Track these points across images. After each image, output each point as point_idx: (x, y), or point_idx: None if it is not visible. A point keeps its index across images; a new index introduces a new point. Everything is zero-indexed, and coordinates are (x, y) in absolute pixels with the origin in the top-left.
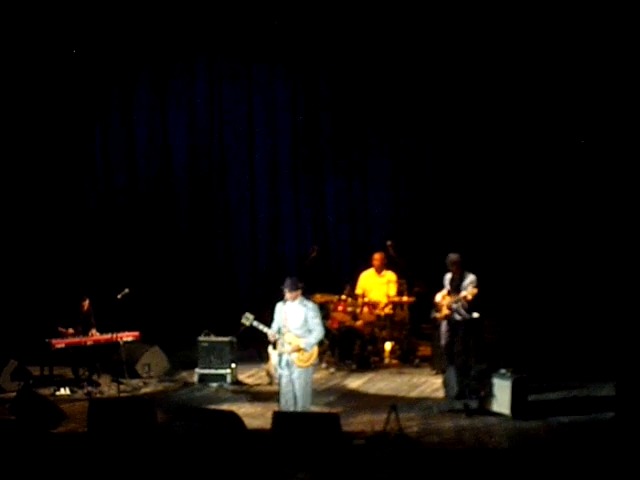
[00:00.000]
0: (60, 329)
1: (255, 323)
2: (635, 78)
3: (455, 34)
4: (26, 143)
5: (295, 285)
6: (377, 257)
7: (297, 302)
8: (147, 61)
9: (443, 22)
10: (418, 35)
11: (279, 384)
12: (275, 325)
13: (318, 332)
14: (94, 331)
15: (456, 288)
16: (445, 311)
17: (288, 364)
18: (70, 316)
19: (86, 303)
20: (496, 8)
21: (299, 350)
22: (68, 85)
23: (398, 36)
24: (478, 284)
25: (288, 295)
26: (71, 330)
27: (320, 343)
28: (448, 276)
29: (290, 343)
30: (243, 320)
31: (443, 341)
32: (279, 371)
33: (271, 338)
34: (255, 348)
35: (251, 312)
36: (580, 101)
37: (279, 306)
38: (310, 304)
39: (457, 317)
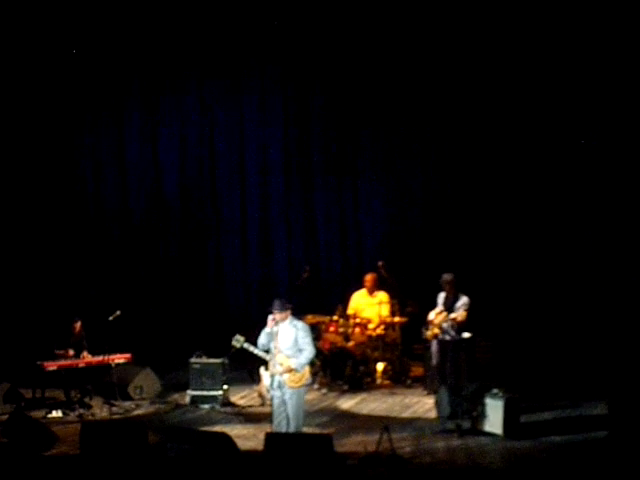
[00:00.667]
0: (57, 352)
1: (246, 345)
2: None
3: (446, 48)
4: (17, 166)
5: (284, 306)
6: (369, 278)
7: (287, 322)
8: (138, 79)
9: (434, 35)
10: (409, 49)
11: (272, 405)
12: (263, 334)
13: (309, 352)
14: (86, 353)
15: (449, 308)
16: (435, 330)
17: (280, 385)
18: (62, 338)
19: (78, 325)
20: (487, 19)
21: (290, 371)
22: (58, 103)
23: (389, 50)
24: (470, 306)
25: (277, 316)
26: (71, 351)
27: (312, 364)
28: (442, 295)
29: (281, 364)
30: (234, 342)
31: (434, 361)
32: (271, 392)
33: (265, 359)
34: (247, 369)
35: (243, 333)
36: (572, 116)
37: (268, 326)
38: (300, 324)
39: (447, 337)
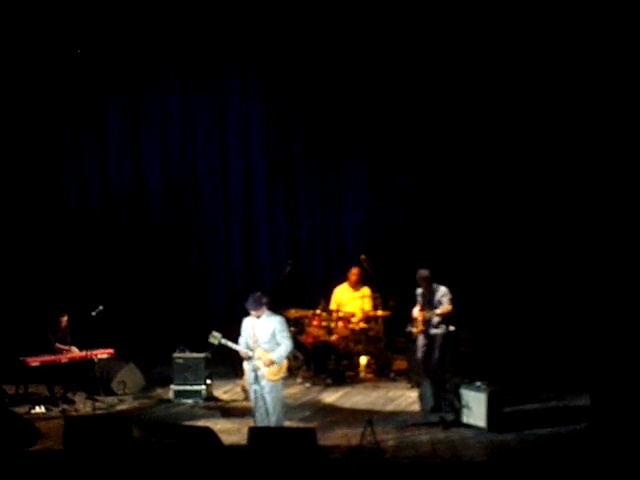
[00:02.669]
0: (59, 346)
1: (224, 341)
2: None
3: (432, 41)
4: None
5: (258, 302)
6: (354, 272)
7: (264, 316)
8: (119, 77)
9: (419, 29)
10: (393, 42)
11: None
12: (242, 340)
13: (287, 345)
14: (72, 348)
15: (429, 302)
16: (421, 326)
17: (258, 379)
18: (55, 332)
19: (64, 319)
20: (478, 16)
21: (271, 364)
22: (39, 102)
23: (373, 44)
24: (452, 295)
25: (252, 313)
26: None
27: (294, 357)
28: (419, 291)
29: (260, 358)
30: (211, 339)
31: (419, 355)
32: (252, 387)
33: (244, 355)
34: (230, 364)
35: (226, 328)
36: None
37: (246, 321)
38: (277, 318)
39: (433, 331)
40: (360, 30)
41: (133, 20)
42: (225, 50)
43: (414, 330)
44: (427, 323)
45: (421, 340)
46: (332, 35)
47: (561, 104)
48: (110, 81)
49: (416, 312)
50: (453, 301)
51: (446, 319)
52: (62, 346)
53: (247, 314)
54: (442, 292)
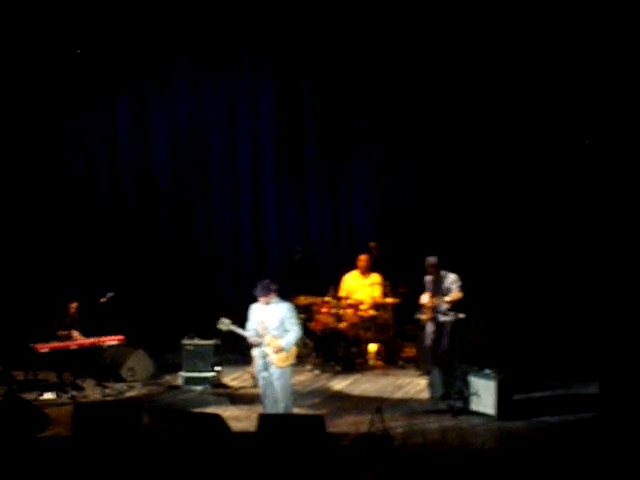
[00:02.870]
0: (60, 332)
1: (232, 327)
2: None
3: (440, 36)
4: (8, 148)
5: (267, 289)
6: (363, 258)
7: (273, 303)
8: (128, 63)
9: (428, 24)
10: (400, 46)
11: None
12: (250, 326)
13: (296, 331)
14: (79, 335)
15: (438, 290)
16: (429, 313)
17: (267, 366)
18: (59, 319)
19: (74, 306)
20: (483, 20)
21: (280, 350)
22: (48, 89)
23: (381, 37)
24: (462, 282)
25: (261, 300)
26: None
27: (304, 345)
28: (428, 278)
29: (269, 344)
30: (220, 326)
31: (428, 342)
32: (261, 373)
33: (253, 342)
34: (239, 351)
35: (236, 315)
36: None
37: (254, 307)
38: (285, 304)
39: (442, 318)
40: (368, 27)
41: (144, 4)
42: (236, 43)
43: (423, 317)
44: (436, 310)
45: (430, 327)
46: (341, 31)
47: (572, 90)
48: (119, 64)
49: (425, 299)
50: (463, 288)
51: (455, 306)
52: (63, 332)
53: (256, 301)
54: (451, 279)
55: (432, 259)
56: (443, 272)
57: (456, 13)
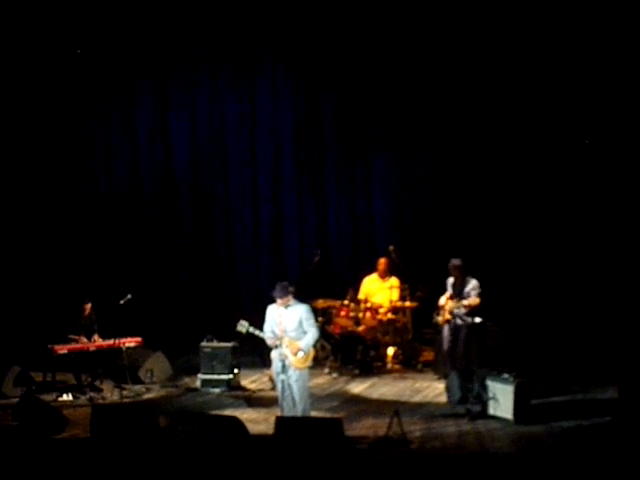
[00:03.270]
0: (70, 336)
1: (251, 329)
2: (633, 78)
3: (455, 42)
4: (29, 148)
5: (285, 291)
6: (382, 262)
7: (290, 305)
8: (148, 66)
9: (444, 30)
10: (419, 42)
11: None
12: (267, 327)
13: (313, 333)
14: (97, 336)
15: (459, 293)
16: (447, 315)
17: (285, 368)
18: (73, 320)
19: (88, 307)
20: (494, 18)
21: (299, 352)
22: (69, 89)
23: (401, 42)
24: (481, 290)
25: (279, 301)
26: (84, 339)
27: (322, 347)
28: (450, 280)
29: (287, 346)
30: (239, 328)
31: (445, 346)
32: (280, 376)
33: (271, 343)
34: (257, 353)
35: (254, 317)
36: (577, 108)
37: (271, 309)
38: (303, 306)
39: (459, 322)
40: (387, 21)
41: (167, 5)
42: (255, 37)
43: (440, 319)
44: (453, 313)
45: (446, 331)
46: (362, 28)
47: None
48: (139, 64)
49: (443, 300)
50: (481, 295)
51: (472, 311)
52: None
53: (273, 303)
54: (472, 285)
55: (456, 261)
56: (467, 277)
57: (469, 23)
